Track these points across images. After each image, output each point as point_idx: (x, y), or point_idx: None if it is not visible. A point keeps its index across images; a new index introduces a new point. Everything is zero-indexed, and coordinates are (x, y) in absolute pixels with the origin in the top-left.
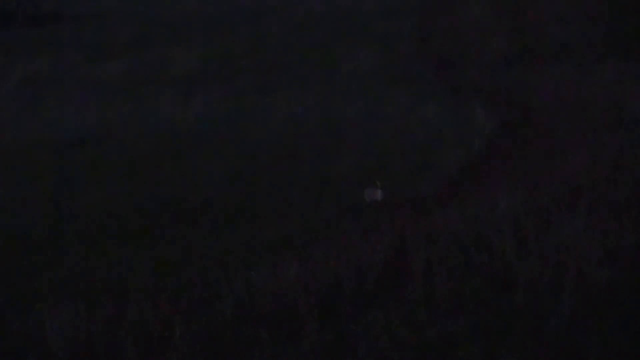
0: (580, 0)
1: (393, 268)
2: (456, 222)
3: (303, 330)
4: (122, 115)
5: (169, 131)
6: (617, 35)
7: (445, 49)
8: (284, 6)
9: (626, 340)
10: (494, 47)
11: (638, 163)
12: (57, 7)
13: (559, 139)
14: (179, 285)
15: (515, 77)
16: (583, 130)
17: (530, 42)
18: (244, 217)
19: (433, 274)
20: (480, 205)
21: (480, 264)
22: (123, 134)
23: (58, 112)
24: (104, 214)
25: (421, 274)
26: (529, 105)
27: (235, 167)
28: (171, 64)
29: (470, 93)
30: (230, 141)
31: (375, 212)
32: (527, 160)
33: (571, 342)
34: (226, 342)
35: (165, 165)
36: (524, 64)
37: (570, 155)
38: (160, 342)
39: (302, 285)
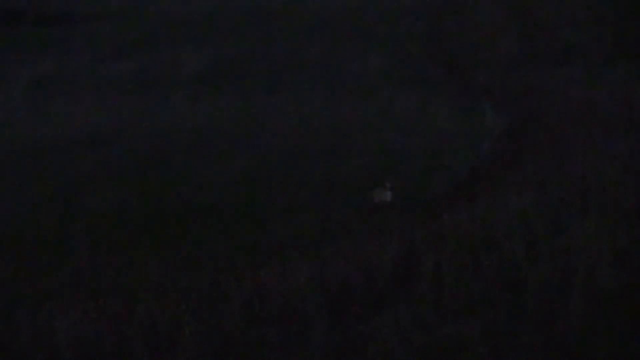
0: (590, 2)
1: (402, 269)
2: (465, 223)
3: (312, 331)
4: (132, 116)
5: (178, 131)
6: (627, 37)
7: (455, 51)
8: (294, 7)
9: (636, 343)
10: (504, 48)
11: None
12: (67, 6)
13: (569, 141)
14: (188, 286)
15: (524, 78)
16: (592, 132)
17: (540, 43)
18: (253, 218)
19: (442, 275)
20: (489, 207)
21: (489, 266)
22: (132, 134)
23: (67, 112)
24: (113, 214)
25: (430, 275)
26: (539, 107)
27: (245, 168)
28: (181, 64)
29: (480, 95)
30: (239, 142)
31: (385, 213)
32: (536, 162)
33: (581, 344)
34: (235, 343)
35: (175, 165)
36: (533, 65)
37: (579, 157)
38: (169, 342)
39: (312, 286)
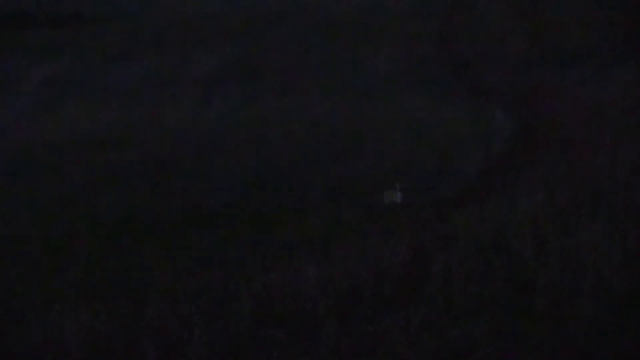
0: (599, 3)
1: (412, 270)
2: (476, 224)
3: (322, 332)
4: (142, 117)
5: (188, 133)
6: (635, 38)
7: (465, 52)
8: (304, 8)
9: None
10: (514, 50)
11: None
12: (78, 9)
13: (579, 142)
14: (198, 287)
15: (534, 79)
16: (602, 133)
17: (550, 45)
18: (263, 219)
19: (452, 276)
20: (499, 208)
21: (499, 267)
22: (143, 136)
23: (78, 114)
24: (123, 216)
25: (440, 276)
26: (549, 108)
27: (255, 169)
28: (191, 65)
29: (490, 96)
30: (249, 143)
31: (395, 214)
32: (546, 163)
33: (591, 344)
34: (245, 344)
35: (185, 166)
36: (543, 66)
37: (589, 158)
38: (179, 343)
39: (321, 288)
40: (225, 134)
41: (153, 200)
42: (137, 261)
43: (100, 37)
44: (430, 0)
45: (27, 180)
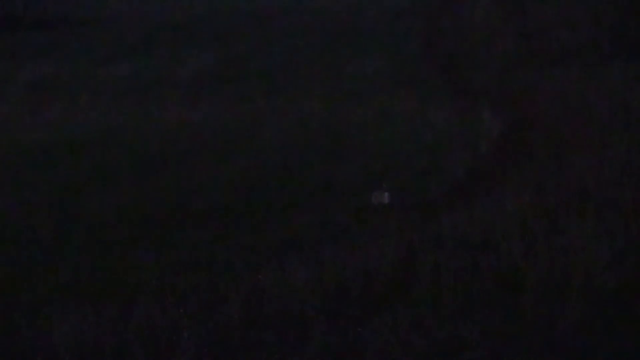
0: (586, 2)
1: (401, 271)
2: (464, 225)
3: (310, 334)
4: (129, 118)
5: (176, 134)
6: (624, 37)
7: (451, 52)
8: (291, 9)
9: (635, 344)
10: (501, 49)
11: None
12: (64, 10)
13: (566, 142)
14: (187, 289)
15: (521, 79)
16: (590, 133)
17: (537, 44)
18: (251, 220)
19: (441, 277)
20: (487, 208)
21: (488, 267)
22: (130, 137)
23: (65, 115)
24: (111, 217)
25: (429, 277)
26: (536, 108)
27: (243, 170)
28: (178, 66)
29: (477, 95)
30: (237, 144)
31: (383, 215)
32: (534, 163)
33: (579, 345)
34: (233, 346)
35: (173, 167)
36: (530, 66)
37: (577, 158)
38: (168, 345)
39: (310, 289)
40: (214, 134)
41: (141, 201)
42: (125, 262)
43: (87, 39)
44: None
45: (14, 181)
